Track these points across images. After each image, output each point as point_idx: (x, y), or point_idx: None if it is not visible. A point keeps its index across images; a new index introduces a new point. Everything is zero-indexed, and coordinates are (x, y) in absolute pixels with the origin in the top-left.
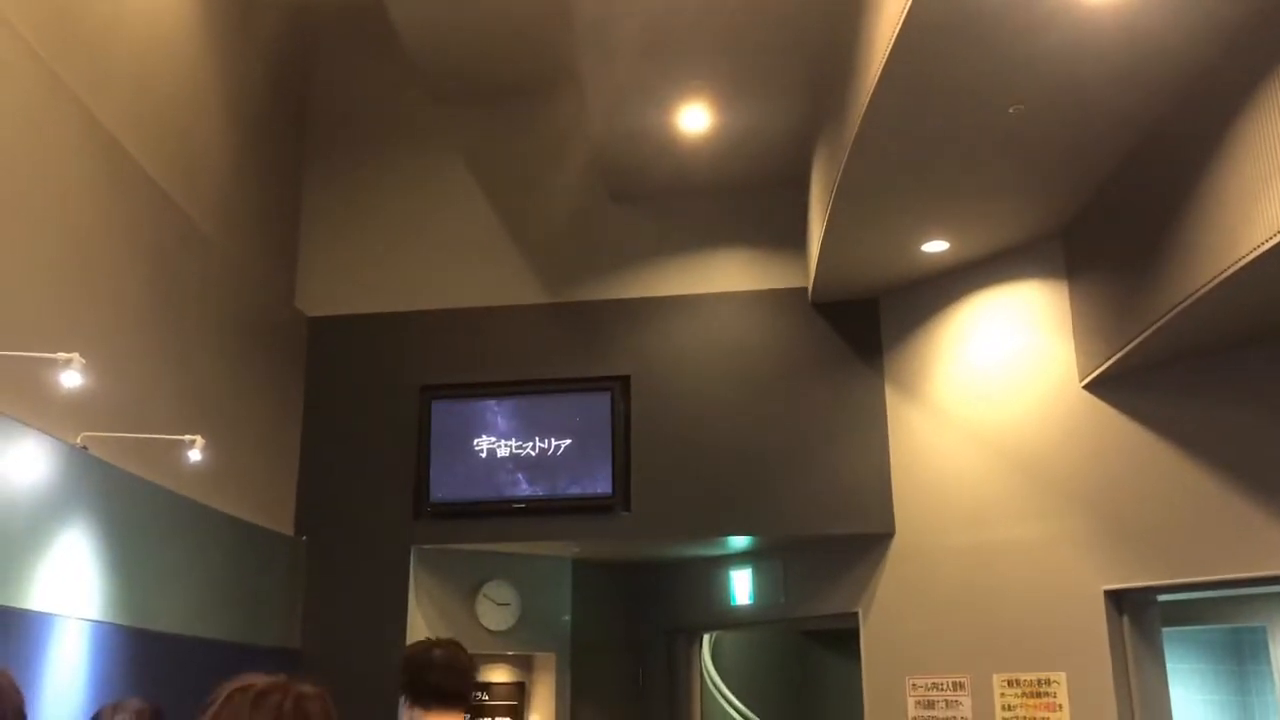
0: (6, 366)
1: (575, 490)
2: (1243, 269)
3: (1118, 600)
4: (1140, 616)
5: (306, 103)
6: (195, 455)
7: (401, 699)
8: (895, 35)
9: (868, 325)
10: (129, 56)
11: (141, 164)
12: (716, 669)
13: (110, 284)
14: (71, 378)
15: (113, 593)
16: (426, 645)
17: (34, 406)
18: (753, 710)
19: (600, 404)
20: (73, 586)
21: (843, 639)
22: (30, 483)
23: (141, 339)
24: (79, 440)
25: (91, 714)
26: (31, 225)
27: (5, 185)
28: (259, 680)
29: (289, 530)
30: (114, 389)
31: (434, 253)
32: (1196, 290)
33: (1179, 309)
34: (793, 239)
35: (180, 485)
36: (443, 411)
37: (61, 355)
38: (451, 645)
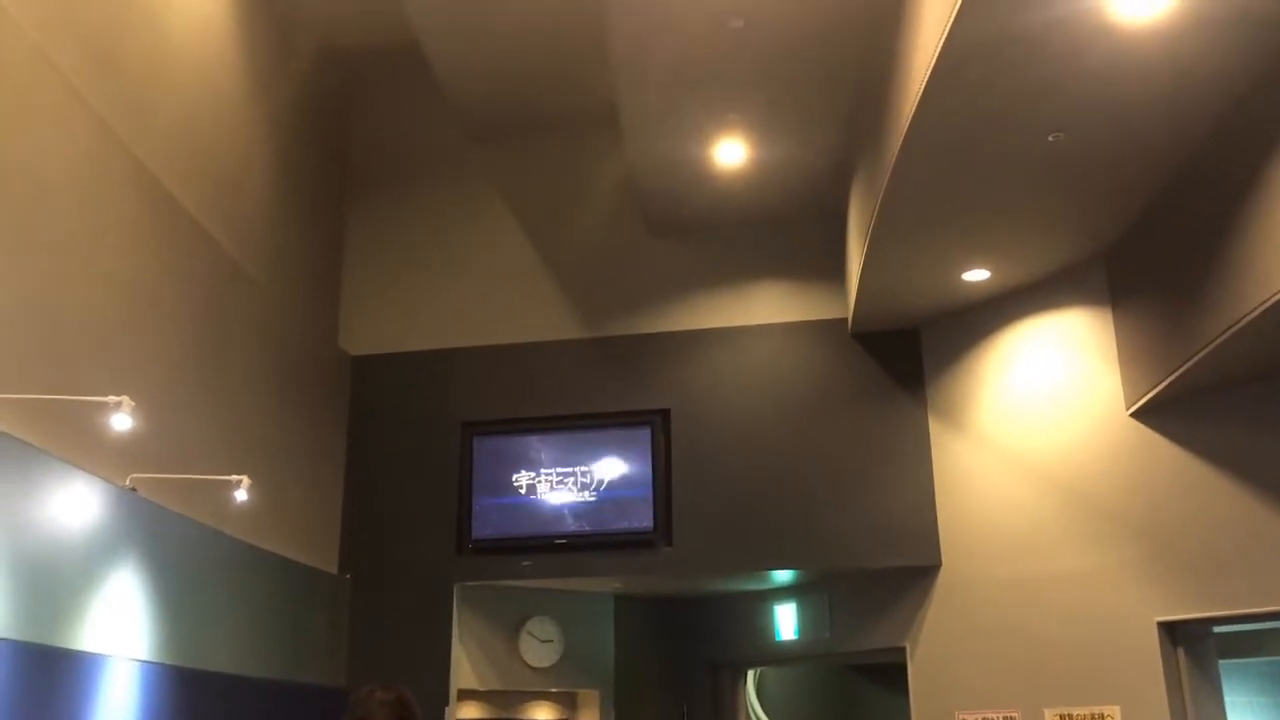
0: (57, 410)
1: (616, 525)
2: None
3: (1172, 632)
4: (1195, 648)
5: (347, 144)
6: (241, 495)
7: None
8: (933, 61)
9: (909, 355)
10: (173, 103)
11: (186, 208)
12: (762, 705)
13: (157, 327)
14: (121, 420)
15: (161, 633)
16: (371, 689)
17: (84, 449)
18: None
19: (641, 438)
20: (122, 627)
21: (890, 673)
22: (81, 524)
23: (188, 381)
24: (128, 482)
25: None
26: (81, 270)
27: (55, 231)
28: None
29: (333, 568)
30: (162, 431)
31: (474, 290)
32: (1245, 315)
33: (1227, 334)
34: (831, 270)
35: (227, 525)
36: (484, 448)
37: (111, 398)
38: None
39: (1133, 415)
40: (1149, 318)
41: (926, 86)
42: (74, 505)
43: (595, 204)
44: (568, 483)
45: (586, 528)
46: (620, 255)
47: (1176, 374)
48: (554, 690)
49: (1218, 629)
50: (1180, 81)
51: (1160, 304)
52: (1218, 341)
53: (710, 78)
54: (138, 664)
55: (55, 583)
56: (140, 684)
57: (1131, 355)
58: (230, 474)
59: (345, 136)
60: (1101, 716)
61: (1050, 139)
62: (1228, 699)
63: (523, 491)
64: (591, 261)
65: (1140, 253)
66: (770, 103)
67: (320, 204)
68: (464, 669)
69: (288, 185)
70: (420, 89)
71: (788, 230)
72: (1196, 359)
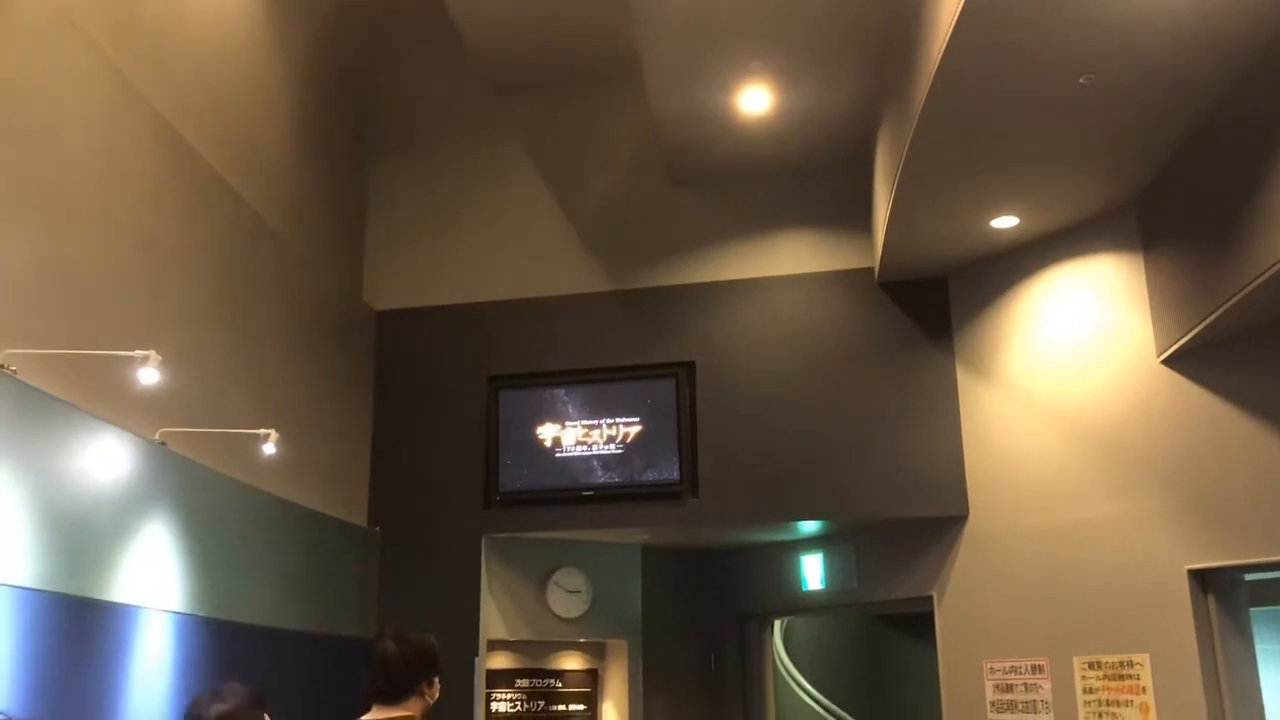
0: (87, 365)
1: (643, 477)
2: None
3: (1202, 579)
4: (1226, 596)
5: (369, 97)
6: (270, 449)
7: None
8: (962, 2)
9: (937, 304)
10: (194, 57)
11: (209, 162)
12: (789, 654)
13: (183, 282)
14: (149, 375)
15: (193, 585)
16: (382, 633)
17: (114, 404)
18: (826, 695)
19: (666, 390)
20: (155, 579)
21: (917, 623)
22: (112, 478)
23: (215, 335)
24: (158, 436)
25: (189, 702)
26: (106, 226)
27: (80, 187)
28: None
29: (363, 521)
30: (190, 385)
31: (499, 243)
32: (1278, 260)
33: (1261, 279)
34: (858, 219)
35: (256, 479)
36: (510, 401)
37: (139, 353)
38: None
39: (1164, 362)
40: (1181, 263)
41: (955, 28)
42: (106, 459)
43: (619, 155)
44: (594, 435)
45: (613, 479)
46: (644, 207)
47: (1208, 320)
48: (582, 640)
49: (1249, 576)
50: (1212, 20)
51: (1192, 249)
52: (1251, 287)
53: (733, 22)
54: (171, 615)
55: (89, 535)
56: (174, 635)
57: (1163, 302)
58: (258, 428)
59: (368, 90)
60: (1131, 664)
61: (1081, 81)
62: (1258, 647)
63: (549, 444)
64: (616, 213)
65: (1172, 198)
66: (795, 48)
67: (343, 158)
68: (493, 620)
69: (310, 140)
70: (443, 41)
71: (813, 179)
72: (1229, 305)
